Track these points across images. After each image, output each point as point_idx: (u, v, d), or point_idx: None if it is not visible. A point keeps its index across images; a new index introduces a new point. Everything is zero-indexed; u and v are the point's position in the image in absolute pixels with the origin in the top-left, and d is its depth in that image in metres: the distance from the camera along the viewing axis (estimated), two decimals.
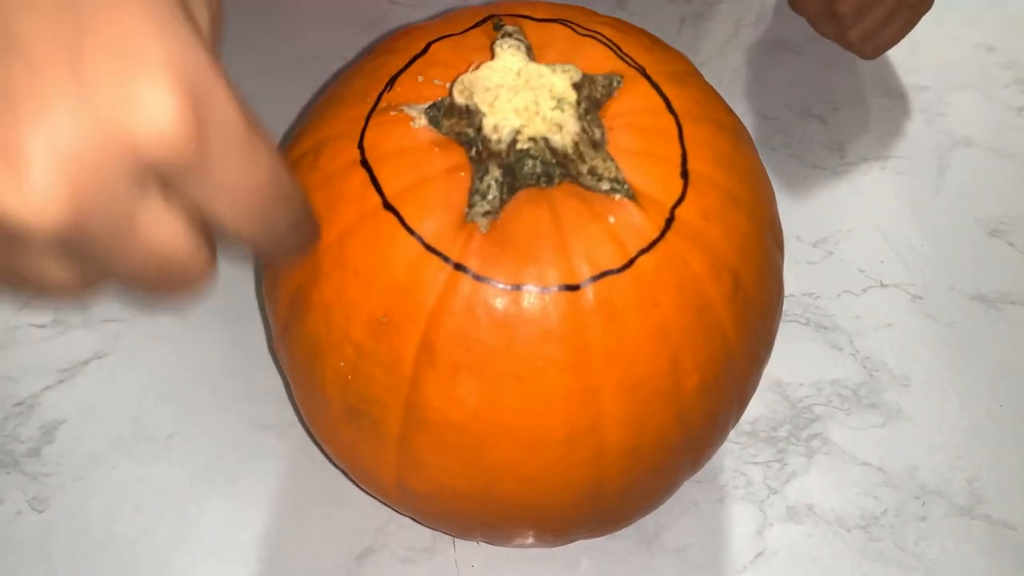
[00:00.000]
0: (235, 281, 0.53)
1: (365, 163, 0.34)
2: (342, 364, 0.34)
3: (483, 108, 0.33)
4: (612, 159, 0.34)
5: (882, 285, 0.55)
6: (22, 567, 0.45)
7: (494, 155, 0.33)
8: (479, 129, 0.33)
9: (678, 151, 0.35)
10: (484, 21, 0.38)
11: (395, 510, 0.44)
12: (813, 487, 0.48)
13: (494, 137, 0.33)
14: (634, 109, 0.36)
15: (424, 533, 0.46)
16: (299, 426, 0.49)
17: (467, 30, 0.38)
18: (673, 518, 0.47)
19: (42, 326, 0.52)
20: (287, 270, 0.37)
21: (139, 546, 0.45)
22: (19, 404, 0.49)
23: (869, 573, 0.46)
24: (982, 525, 0.47)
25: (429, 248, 0.33)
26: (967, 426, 0.50)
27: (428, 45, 0.37)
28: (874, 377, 0.51)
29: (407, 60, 0.37)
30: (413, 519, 0.44)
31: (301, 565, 0.45)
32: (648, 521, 0.46)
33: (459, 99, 0.34)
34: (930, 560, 0.46)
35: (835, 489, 0.48)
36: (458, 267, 0.33)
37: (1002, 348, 0.53)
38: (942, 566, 0.46)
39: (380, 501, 0.44)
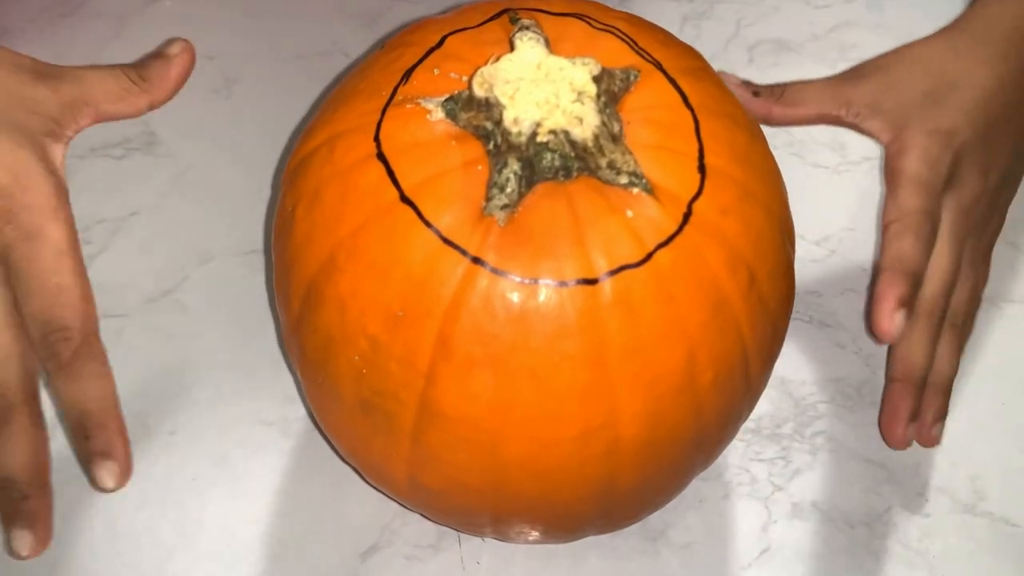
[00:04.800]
0: (240, 275, 0.53)
1: (382, 156, 0.34)
2: (356, 358, 0.34)
3: (503, 100, 0.33)
4: (631, 152, 0.34)
5: None
6: (22, 565, 0.44)
7: (513, 148, 0.33)
8: (498, 122, 0.33)
9: (695, 145, 0.35)
10: (499, 15, 0.38)
11: (403, 506, 0.44)
12: (817, 484, 0.48)
13: (514, 130, 0.33)
14: (651, 103, 0.36)
15: (430, 530, 0.46)
16: (304, 422, 0.48)
17: (482, 24, 0.38)
18: (678, 515, 0.47)
19: None
20: (300, 264, 0.36)
21: (142, 543, 0.45)
22: None
23: (873, 570, 0.46)
24: (985, 522, 0.47)
25: (447, 241, 0.33)
26: (969, 423, 0.50)
27: (443, 38, 0.37)
28: (877, 375, 0.52)
29: (422, 53, 0.37)
30: (422, 515, 0.44)
31: (305, 562, 0.45)
32: (654, 518, 0.46)
33: (479, 91, 0.34)
34: (933, 557, 0.46)
35: (839, 486, 0.48)
36: (476, 261, 0.32)
37: (1003, 346, 0.53)
38: (945, 563, 0.46)
39: (387, 497, 0.44)
